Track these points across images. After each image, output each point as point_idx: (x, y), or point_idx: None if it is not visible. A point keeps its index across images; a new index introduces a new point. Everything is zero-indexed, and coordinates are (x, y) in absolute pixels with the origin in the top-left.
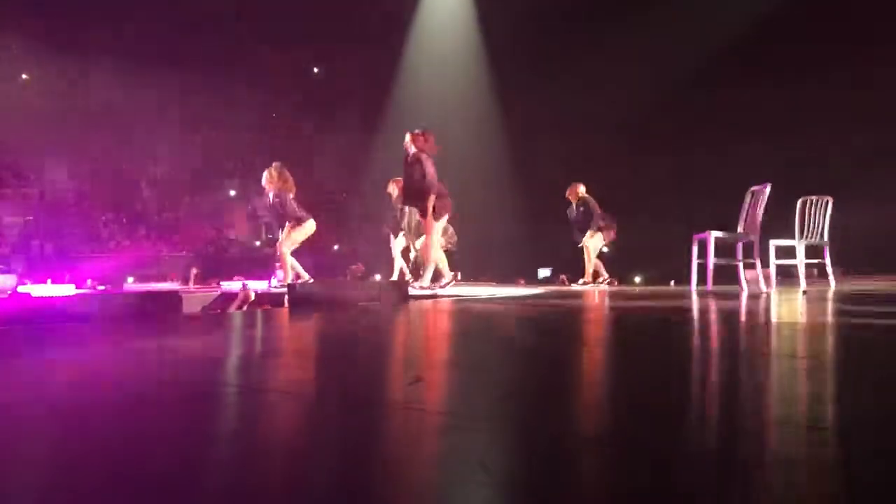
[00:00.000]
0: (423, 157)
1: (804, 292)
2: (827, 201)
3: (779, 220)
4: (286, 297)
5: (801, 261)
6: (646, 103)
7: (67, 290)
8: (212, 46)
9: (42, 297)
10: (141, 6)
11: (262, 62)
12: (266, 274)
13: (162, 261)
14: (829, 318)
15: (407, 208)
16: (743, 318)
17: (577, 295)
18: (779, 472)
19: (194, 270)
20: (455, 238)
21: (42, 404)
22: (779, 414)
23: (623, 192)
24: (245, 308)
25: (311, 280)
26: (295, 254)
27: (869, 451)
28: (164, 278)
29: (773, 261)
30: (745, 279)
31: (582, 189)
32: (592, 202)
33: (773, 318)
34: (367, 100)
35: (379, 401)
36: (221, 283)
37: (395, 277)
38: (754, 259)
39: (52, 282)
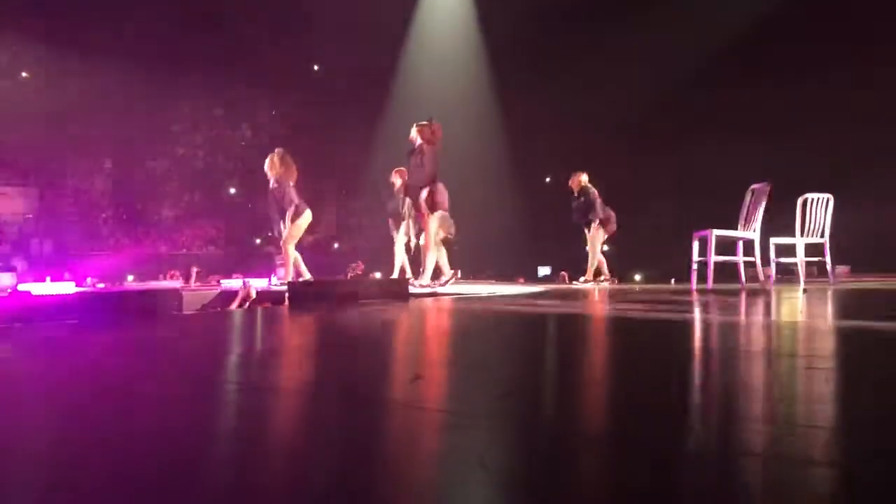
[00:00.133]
0: (427, 149)
1: (804, 290)
2: (827, 199)
3: (779, 219)
4: (286, 294)
5: (801, 259)
6: (646, 103)
7: (67, 288)
8: (211, 44)
9: (42, 296)
10: (141, 3)
11: (262, 60)
12: (266, 272)
13: (162, 259)
14: (830, 317)
15: (408, 199)
16: (742, 316)
17: (578, 293)
18: (779, 472)
19: (195, 269)
20: (454, 228)
21: (42, 403)
22: (779, 413)
23: (623, 190)
24: (247, 306)
25: (312, 278)
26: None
27: (869, 451)
28: (164, 276)
29: (774, 259)
30: (746, 277)
31: (584, 178)
32: (593, 192)
33: (773, 317)
34: (368, 98)
35: (378, 399)
36: (221, 281)
37: (395, 274)
38: (755, 257)
39: (52, 280)
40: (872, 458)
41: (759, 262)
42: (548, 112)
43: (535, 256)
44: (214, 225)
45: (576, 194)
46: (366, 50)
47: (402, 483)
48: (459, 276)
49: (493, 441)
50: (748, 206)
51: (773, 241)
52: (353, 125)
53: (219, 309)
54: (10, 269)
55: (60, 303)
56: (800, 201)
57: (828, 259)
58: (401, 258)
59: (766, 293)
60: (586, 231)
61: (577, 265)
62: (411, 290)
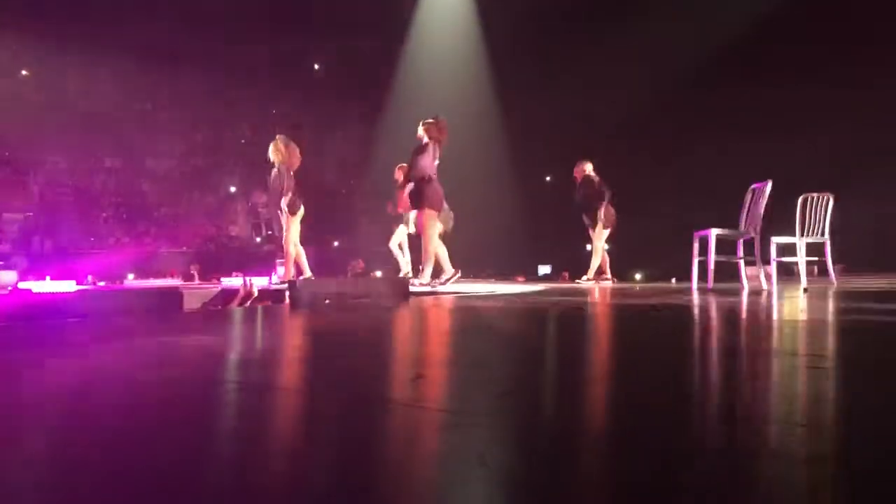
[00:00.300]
0: (429, 147)
1: (805, 290)
2: (828, 198)
3: (780, 218)
4: (287, 293)
5: (801, 258)
6: (646, 103)
7: (68, 286)
8: (211, 41)
9: (42, 294)
10: (142, 2)
11: (262, 59)
12: (266, 271)
13: (162, 257)
14: (830, 316)
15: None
16: (744, 315)
17: (578, 292)
18: (779, 471)
19: (195, 267)
20: (452, 221)
21: (41, 401)
22: (779, 412)
23: (624, 190)
24: (248, 304)
25: (312, 277)
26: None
27: (869, 451)
28: (164, 275)
29: (774, 258)
30: (746, 276)
31: (588, 167)
32: (598, 180)
33: (775, 316)
34: (368, 96)
35: (379, 398)
36: (221, 279)
37: (405, 271)
38: (755, 256)
39: (52, 278)
40: (873, 457)
41: (759, 261)
42: (548, 112)
43: (535, 255)
44: (214, 223)
45: (580, 183)
46: (366, 49)
47: (402, 482)
48: (460, 275)
49: (494, 440)
50: (748, 206)
51: (774, 240)
52: (354, 123)
53: (219, 307)
54: (11, 267)
55: (61, 301)
56: (800, 200)
57: (828, 258)
58: (399, 256)
59: (767, 292)
60: (588, 226)
61: (577, 264)
62: (411, 288)
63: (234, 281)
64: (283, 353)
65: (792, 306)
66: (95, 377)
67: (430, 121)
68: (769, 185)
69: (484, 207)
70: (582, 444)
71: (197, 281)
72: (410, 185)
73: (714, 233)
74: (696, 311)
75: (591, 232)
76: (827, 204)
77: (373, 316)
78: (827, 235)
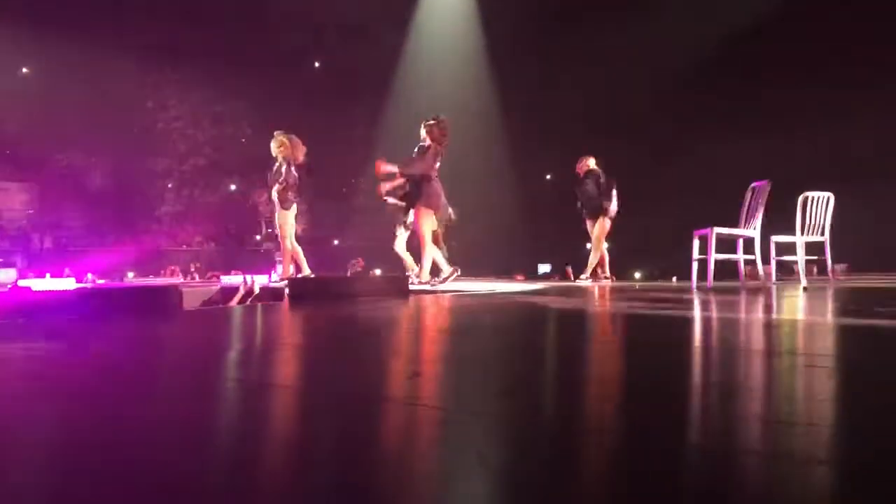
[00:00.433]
0: (431, 150)
1: (804, 288)
2: (828, 197)
3: (780, 217)
4: (286, 291)
5: (801, 257)
6: (646, 103)
7: (67, 284)
8: (213, 39)
9: (42, 291)
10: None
11: (263, 58)
12: (266, 268)
13: (162, 255)
14: (830, 316)
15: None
16: (743, 314)
17: (576, 291)
18: (779, 471)
19: (194, 265)
20: (450, 216)
21: (41, 400)
22: (779, 411)
23: (624, 190)
24: (249, 301)
25: (311, 275)
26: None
27: (869, 451)
28: (164, 272)
29: (774, 257)
30: (746, 275)
31: (591, 162)
32: (602, 176)
33: (774, 315)
34: (368, 95)
35: (377, 396)
36: (221, 277)
37: (415, 271)
38: (755, 255)
39: (52, 276)
40: (873, 457)
41: (759, 260)
42: (548, 111)
43: (534, 254)
44: (214, 221)
45: (582, 177)
46: (366, 48)
47: (400, 479)
48: (459, 273)
49: (491, 437)
50: (748, 205)
51: (774, 239)
52: (354, 122)
53: (220, 305)
54: (11, 264)
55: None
56: (800, 199)
57: (828, 257)
58: (404, 256)
59: (767, 291)
60: (589, 224)
61: (577, 263)
62: (410, 286)
63: (233, 279)
64: (282, 351)
65: (791, 305)
66: (93, 374)
67: (432, 121)
68: (769, 184)
69: (484, 206)
70: (580, 443)
71: (197, 279)
72: (400, 181)
73: (714, 231)
74: (695, 311)
75: (589, 228)
76: (827, 203)
77: (371, 314)
78: (827, 234)
